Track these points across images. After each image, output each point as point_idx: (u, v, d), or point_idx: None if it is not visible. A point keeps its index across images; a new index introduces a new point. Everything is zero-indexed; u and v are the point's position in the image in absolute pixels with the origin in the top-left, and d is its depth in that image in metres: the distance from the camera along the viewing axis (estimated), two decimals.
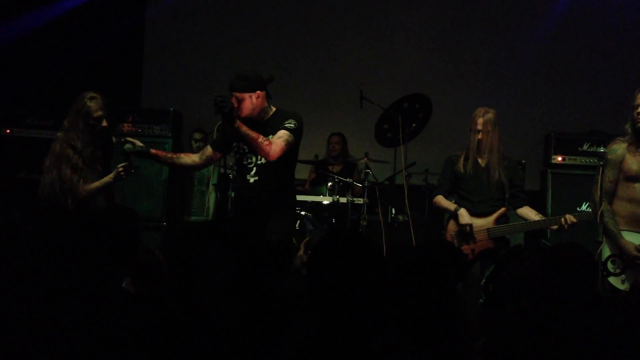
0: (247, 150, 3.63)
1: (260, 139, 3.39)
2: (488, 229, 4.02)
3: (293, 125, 3.51)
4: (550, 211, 5.52)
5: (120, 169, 3.56)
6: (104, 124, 3.65)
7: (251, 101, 3.51)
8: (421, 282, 1.97)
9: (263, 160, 3.57)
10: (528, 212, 4.10)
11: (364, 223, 5.41)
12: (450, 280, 2.09)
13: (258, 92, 3.52)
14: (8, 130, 5.91)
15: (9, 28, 6.29)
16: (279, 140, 3.44)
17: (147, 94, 7.17)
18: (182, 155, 3.89)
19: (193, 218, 6.17)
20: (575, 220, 3.87)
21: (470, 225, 4.01)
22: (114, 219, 2.09)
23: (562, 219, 3.89)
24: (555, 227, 3.96)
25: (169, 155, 3.83)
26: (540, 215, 4.14)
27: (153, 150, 3.65)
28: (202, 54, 7.12)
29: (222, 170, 5.84)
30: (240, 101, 3.51)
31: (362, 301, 1.57)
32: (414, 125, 5.43)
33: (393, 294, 1.89)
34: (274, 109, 3.66)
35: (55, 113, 6.01)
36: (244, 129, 3.38)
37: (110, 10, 6.81)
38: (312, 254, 1.66)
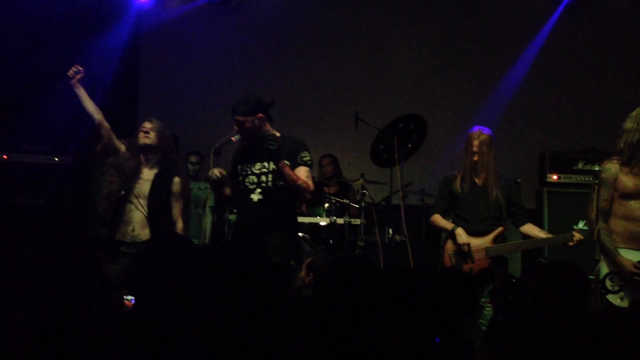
0: (249, 172, 3.67)
1: (300, 180, 3.56)
2: (486, 248, 4.03)
3: (309, 160, 3.67)
4: (547, 229, 5.53)
5: None
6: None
7: (252, 124, 3.57)
8: (430, 310, 1.96)
9: (270, 183, 3.62)
10: (532, 229, 4.11)
11: (362, 244, 5.41)
12: (461, 311, 2.08)
13: (259, 115, 3.57)
14: (5, 156, 5.91)
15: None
16: (308, 180, 3.64)
17: (142, 118, 7.18)
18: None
19: None
20: (582, 237, 3.88)
21: (468, 245, 4.02)
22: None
23: (573, 235, 3.90)
24: (571, 243, 3.94)
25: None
26: (546, 233, 4.15)
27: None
28: (197, 78, 7.16)
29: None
30: (241, 124, 3.56)
31: (368, 326, 1.57)
32: (409, 145, 5.47)
33: (400, 319, 1.88)
34: (277, 134, 3.69)
35: (50, 138, 6.03)
36: (287, 169, 3.52)
37: (105, 34, 6.86)
38: (320, 279, 1.67)
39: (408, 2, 7.12)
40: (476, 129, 4.18)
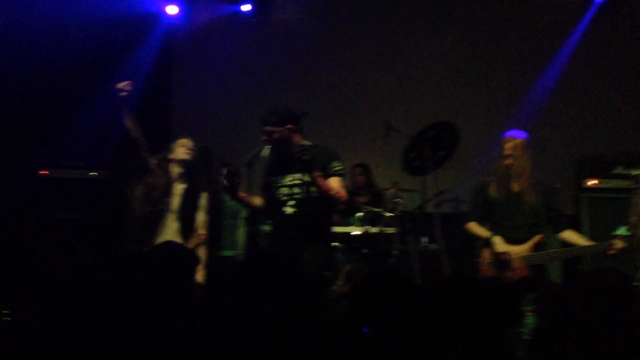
0: (280, 184, 3.68)
1: (332, 191, 3.55)
2: (525, 256, 3.94)
3: (341, 169, 3.67)
4: (586, 236, 5.41)
5: None
6: None
7: (282, 135, 3.58)
8: (471, 321, 1.92)
9: (303, 195, 3.62)
10: (572, 236, 3.99)
11: (396, 253, 5.37)
12: (504, 322, 2.03)
13: (288, 126, 3.57)
14: (45, 172, 6.04)
15: (42, 70, 6.47)
16: (342, 190, 3.63)
17: (175, 131, 7.29)
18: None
19: (224, 252, 6.18)
20: (624, 245, 3.75)
21: (507, 253, 3.94)
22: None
23: (614, 243, 3.75)
24: (612, 251, 3.80)
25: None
26: (587, 240, 4.01)
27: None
28: (228, 91, 7.23)
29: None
30: (270, 135, 3.57)
31: (405, 337, 1.55)
32: (441, 153, 5.43)
33: (439, 330, 1.85)
34: (309, 143, 3.71)
35: (88, 154, 6.15)
36: (320, 180, 3.52)
37: (136, 50, 6.98)
38: (357, 289, 1.66)
39: (436, 9, 7.09)
40: (510, 134, 4.11)
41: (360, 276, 3.11)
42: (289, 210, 3.63)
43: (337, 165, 3.64)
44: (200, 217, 3.95)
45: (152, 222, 3.83)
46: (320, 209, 3.68)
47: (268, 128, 3.59)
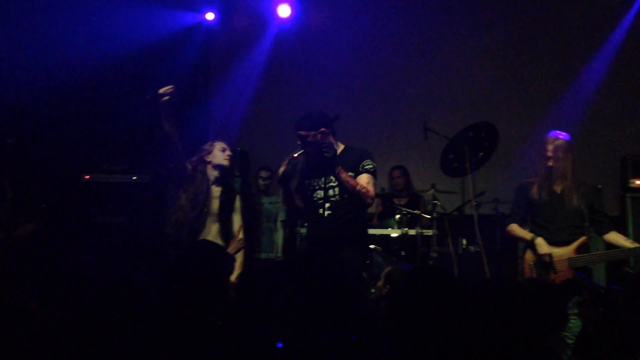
0: (316, 187, 3.70)
1: (359, 186, 3.56)
2: (569, 258, 3.85)
3: (372, 167, 3.66)
4: (632, 237, 5.26)
5: None
6: None
7: (315, 139, 3.60)
8: (515, 324, 1.87)
9: (338, 197, 3.63)
10: (617, 238, 3.90)
11: (434, 255, 5.32)
12: (548, 325, 1.98)
13: (322, 129, 3.61)
14: (87, 177, 6.17)
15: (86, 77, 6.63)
16: (369, 186, 3.62)
17: (213, 135, 7.37)
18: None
19: (263, 255, 6.22)
20: None
21: (550, 255, 3.86)
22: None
23: None
24: None
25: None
26: (632, 242, 3.90)
27: None
28: (266, 94, 7.28)
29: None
30: (304, 139, 3.62)
31: (445, 340, 1.53)
32: (480, 153, 5.35)
33: (481, 333, 1.82)
34: (342, 145, 3.73)
35: (128, 158, 6.26)
36: (344, 175, 3.56)
37: (177, 52, 7.08)
38: (397, 291, 1.65)
39: (474, 9, 7.00)
40: (552, 134, 4.04)
41: (400, 276, 3.07)
42: (324, 213, 3.64)
43: (368, 164, 3.65)
44: (237, 220, 3.99)
45: (196, 226, 3.86)
46: (356, 211, 3.67)
47: (302, 132, 3.63)
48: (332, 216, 3.63)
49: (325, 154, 3.49)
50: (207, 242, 3.23)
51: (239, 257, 3.83)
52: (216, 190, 3.95)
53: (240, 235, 3.94)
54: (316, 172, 3.72)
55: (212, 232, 3.87)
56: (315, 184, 3.71)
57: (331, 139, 3.67)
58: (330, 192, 3.66)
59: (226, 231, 3.91)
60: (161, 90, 3.72)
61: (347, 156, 3.67)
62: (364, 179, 3.61)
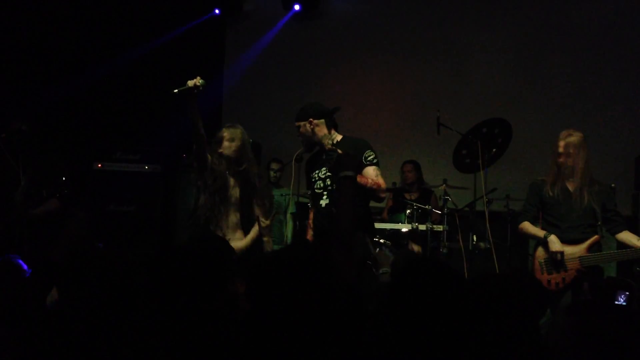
0: (317, 178, 3.73)
1: (369, 183, 3.54)
2: (580, 257, 3.83)
3: (374, 158, 3.64)
4: None
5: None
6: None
7: (305, 129, 3.68)
8: (500, 313, 1.88)
9: (334, 186, 3.61)
10: (630, 238, 3.87)
11: (444, 251, 5.31)
12: (530, 314, 1.98)
13: (311, 119, 3.65)
14: (100, 165, 6.21)
15: (99, 67, 6.68)
16: (378, 179, 3.59)
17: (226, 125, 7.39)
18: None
19: (273, 247, 6.23)
20: None
21: (562, 253, 3.84)
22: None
23: None
24: None
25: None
26: None
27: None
28: (278, 86, 7.28)
29: (298, 199, 5.91)
30: (297, 129, 3.72)
31: (442, 328, 1.54)
32: (493, 150, 5.32)
33: (474, 322, 1.82)
34: (339, 136, 3.73)
35: (142, 147, 6.29)
36: (358, 180, 3.50)
37: (190, 45, 7.11)
38: (396, 276, 1.65)
39: (489, 5, 6.94)
40: (564, 131, 4.00)
41: (402, 264, 3.05)
42: (323, 203, 3.65)
43: (370, 155, 3.61)
44: (260, 210, 3.98)
45: (217, 216, 3.86)
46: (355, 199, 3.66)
47: (296, 123, 3.72)
48: (329, 206, 3.63)
49: (328, 163, 3.51)
50: (210, 236, 3.22)
51: (268, 245, 3.88)
52: (232, 180, 3.94)
53: (265, 221, 3.93)
54: (316, 164, 3.76)
55: (232, 221, 3.86)
56: (316, 175, 3.74)
57: (324, 130, 3.67)
58: (328, 181, 3.66)
59: (247, 220, 3.90)
60: (190, 83, 3.59)
61: (345, 147, 3.63)
62: (371, 173, 3.58)
